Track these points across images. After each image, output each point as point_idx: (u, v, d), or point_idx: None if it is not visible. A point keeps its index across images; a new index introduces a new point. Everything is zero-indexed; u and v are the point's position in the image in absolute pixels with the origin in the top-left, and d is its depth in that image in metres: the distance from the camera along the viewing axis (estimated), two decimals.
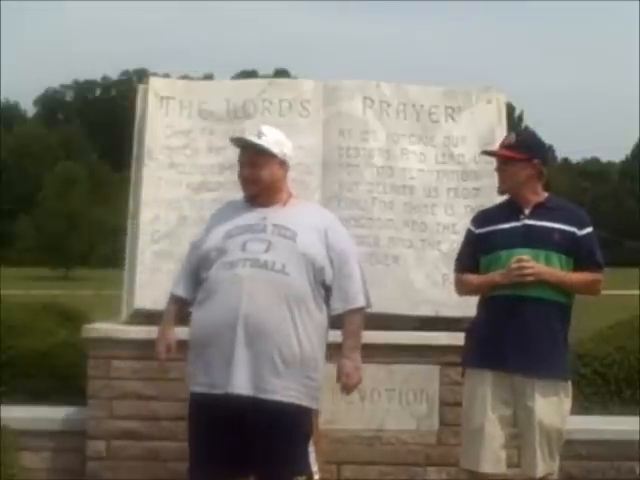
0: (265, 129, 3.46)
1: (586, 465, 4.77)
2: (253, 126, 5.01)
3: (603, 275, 3.79)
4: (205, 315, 3.27)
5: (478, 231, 3.82)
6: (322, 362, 3.37)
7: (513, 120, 63.06)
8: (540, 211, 3.74)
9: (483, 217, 3.90)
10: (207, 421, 3.25)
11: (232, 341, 3.15)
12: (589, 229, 3.76)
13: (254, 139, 3.39)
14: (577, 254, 3.71)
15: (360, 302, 3.41)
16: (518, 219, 3.74)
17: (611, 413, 5.22)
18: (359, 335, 3.43)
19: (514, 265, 3.60)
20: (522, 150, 3.74)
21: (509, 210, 3.79)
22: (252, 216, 3.35)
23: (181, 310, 3.54)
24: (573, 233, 3.71)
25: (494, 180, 5.04)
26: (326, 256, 3.32)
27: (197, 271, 3.42)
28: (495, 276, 3.68)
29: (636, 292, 18.83)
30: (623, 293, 22.71)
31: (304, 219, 3.38)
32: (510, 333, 3.65)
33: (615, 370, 5.51)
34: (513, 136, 3.86)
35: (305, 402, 3.28)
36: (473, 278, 3.79)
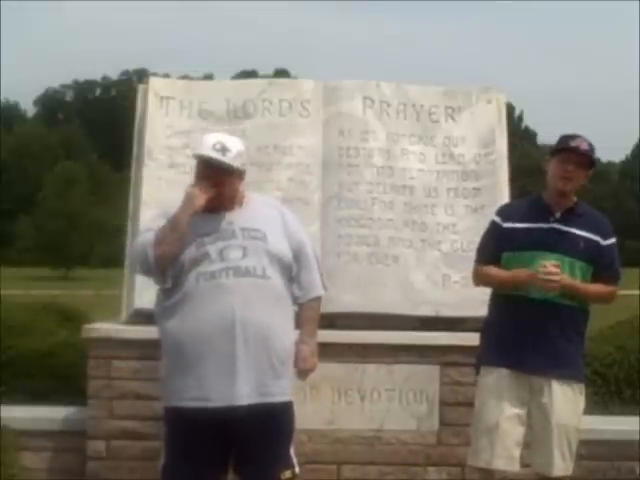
0: (228, 142, 3.30)
1: (586, 465, 4.76)
2: (256, 127, 5.08)
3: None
4: (191, 327, 3.16)
5: (506, 225, 3.77)
6: None
7: (513, 120, 63.03)
8: (569, 216, 3.73)
9: (511, 211, 3.86)
10: (198, 435, 3.19)
11: (231, 352, 3.12)
12: (613, 239, 3.78)
13: (219, 157, 3.25)
14: (598, 264, 3.72)
15: (320, 290, 3.47)
16: (548, 221, 3.72)
17: (611, 413, 5.22)
18: (317, 322, 3.49)
19: (542, 270, 3.56)
20: (592, 158, 3.74)
21: (539, 209, 3.76)
22: (217, 221, 3.28)
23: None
24: (597, 242, 3.72)
25: (494, 180, 5.08)
26: (290, 250, 3.34)
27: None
28: (523, 274, 3.63)
29: (636, 292, 18.78)
30: (623, 293, 22.58)
31: (265, 215, 3.38)
32: (529, 334, 3.64)
33: (615, 370, 5.50)
34: (584, 141, 3.74)
35: (292, 395, 3.35)
36: (499, 272, 3.74)
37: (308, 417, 4.45)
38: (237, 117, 5.13)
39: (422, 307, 4.84)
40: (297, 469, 3.32)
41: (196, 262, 3.20)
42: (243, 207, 3.35)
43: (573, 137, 3.76)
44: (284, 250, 3.31)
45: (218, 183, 3.26)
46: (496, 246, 3.78)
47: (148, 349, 4.64)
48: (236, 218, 3.30)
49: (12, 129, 62.92)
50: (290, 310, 3.35)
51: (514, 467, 3.69)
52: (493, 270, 3.77)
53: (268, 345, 3.18)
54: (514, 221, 3.77)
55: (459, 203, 5.01)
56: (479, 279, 3.90)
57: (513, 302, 3.70)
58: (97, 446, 4.67)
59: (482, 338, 3.93)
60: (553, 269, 3.57)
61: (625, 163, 79.76)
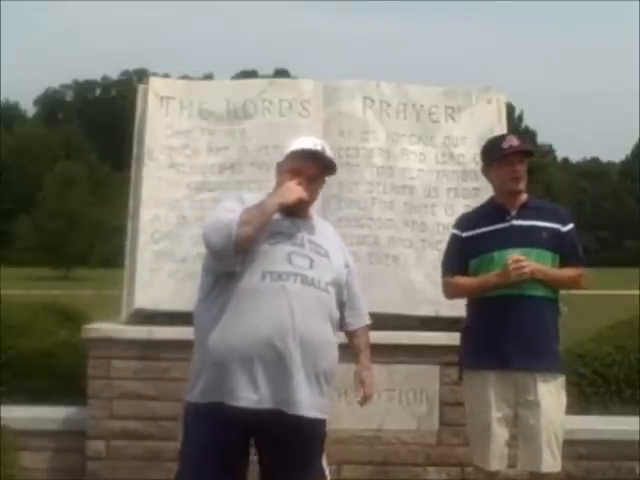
0: (326, 145, 3.29)
1: (586, 465, 4.77)
2: (256, 127, 5.10)
3: (584, 269, 3.87)
4: (246, 325, 3.08)
5: (465, 234, 3.85)
6: None
7: (513, 120, 63.06)
8: (525, 211, 3.80)
9: (468, 220, 3.93)
10: (234, 434, 3.13)
11: (285, 359, 3.05)
12: (571, 225, 3.84)
13: (327, 153, 3.25)
14: (562, 250, 3.78)
15: (368, 318, 3.50)
16: (505, 220, 3.78)
17: (611, 413, 5.23)
18: (369, 348, 3.50)
19: (510, 262, 3.63)
20: (528, 145, 3.81)
21: (495, 212, 3.83)
22: (290, 225, 3.23)
23: None
24: (558, 230, 3.79)
25: None
26: (345, 275, 3.34)
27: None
28: (491, 277, 3.70)
29: (636, 292, 18.83)
30: (623, 293, 22.73)
31: (328, 235, 3.37)
32: (509, 332, 3.68)
33: (615, 370, 5.51)
34: (512, 138, 3.84)
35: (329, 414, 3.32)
36: (468, 280, 3.81)
37: None
38: (237, 117, 5.13)
39: (422, 307, 4.85)
40: (328, 479, 3.35)
41: (262, 257, 3.14)
42: (309, 220, 3.32)
43: (500, 139, 3.88)
44: (343, 273, 3.31)
45: (310, 180, 3.24)
46: (460, 257, 3.84)
47: (148, 349, 4.66)
48: (304, 228, 3.27)
49: (12, 129, 63.04)
50: (337, 331, 3.31)
51: (504, 465, 3.77)
52: (462, 279, 3.82)
53: (318, 360, 3.13)
54: (472, 229, 3.83)
55: (459, 203, 5.01)
56: (449, 291, 3.95)
57: (486, 302, 3.75)
58: (97, 446, 4.67)
59: (462, 340, 3.97)
60: (519, 257, 3.63)
61: (625, 163, 79.87)
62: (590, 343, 5.80)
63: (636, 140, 77.93)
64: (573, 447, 4.43)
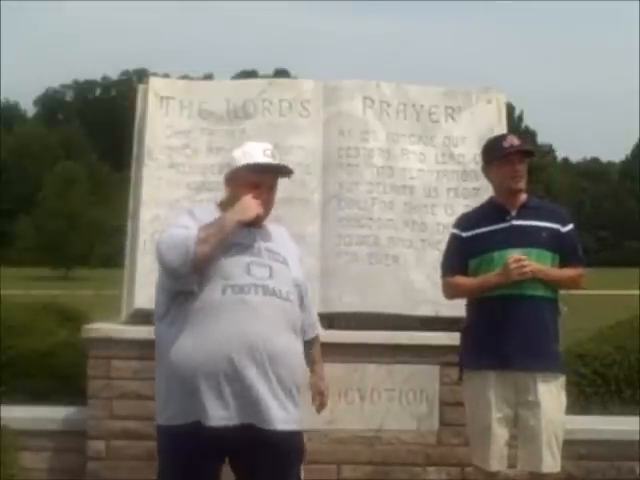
0: (272, 147, 3.27)
1: (586, 465, 4.77)
2: (256, 127, 5.09)
3: (585, 270, 3.89)
4: (210, 342, 3.01)
5: (465, 234, 3.85)
6: None
7: (513, 120, 63.06)
8: (525, 211, 3.81)
9: (468, 220, 3.93)
10: (210, 453, 3.09)
11: (253, 373, 3.01)
12: (571, 225, 3.85)
13: (276, 162, 3.22)
14: (562, 250, 3.79)
15: (320, 327, 3.49)
16: (505, 220, 3.79)
17: (611, 413, 5.22)
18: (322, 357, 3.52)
19: (511, 262, 3.63)
20: (529, 145, 3.81)
21: (495, 212, 3.84)
22: (245, 235, 3.17)
23: None
24: (558, 230, 3.80)
25: None
26: (303, 282, 3.31)
27: None
28: (491, 277, 3.71)
29: (636, 292, 18.84)
30: (623, 293, 22.74)
31: (284, 242, 3.33)
32: (509, 332, 3.68)
33: (615, 370, 5.51)
34: (513, 137, 3.86)
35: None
36: (468, 281, 3.81)
37: (308, 417, 4.45)
38: (237, 117, 5.13)
39: (422, 307, 4.84)
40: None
41: (223, 270, 3.08)
42: (263, 228, 3.28)
43: (501, 138, 3.90)
44: (301, 279, 3.27)
45: (270, 189, 3.22)
46: (460, 257, 3.84)
47: (148, 349, 4.63)
48: (260, 237, 3.22)
49: (12, 129, 63.06)
50: (300, 339, 3.27)
51: (504, 466, 3.77)
52: (462, 280, 3.83)
53: (286, 371, 3.09)
54: (473, 229, 3.84)
55: (459, 203, 5.00)
56: (449, 291, 3.95)
57: (486, 302, 3.75)
58: (97, 446, 4.67)
59: (462, 340, 3.97)
60: (520, 257, 3.64)
61: (625, 163, 79.89)
62: (590, 343, 5.80)
63: (636, 140, 78.02)
64: (573, 447, 4.43)
